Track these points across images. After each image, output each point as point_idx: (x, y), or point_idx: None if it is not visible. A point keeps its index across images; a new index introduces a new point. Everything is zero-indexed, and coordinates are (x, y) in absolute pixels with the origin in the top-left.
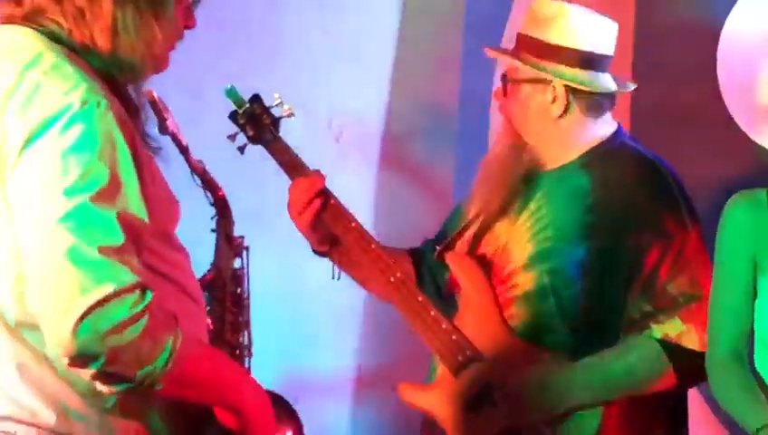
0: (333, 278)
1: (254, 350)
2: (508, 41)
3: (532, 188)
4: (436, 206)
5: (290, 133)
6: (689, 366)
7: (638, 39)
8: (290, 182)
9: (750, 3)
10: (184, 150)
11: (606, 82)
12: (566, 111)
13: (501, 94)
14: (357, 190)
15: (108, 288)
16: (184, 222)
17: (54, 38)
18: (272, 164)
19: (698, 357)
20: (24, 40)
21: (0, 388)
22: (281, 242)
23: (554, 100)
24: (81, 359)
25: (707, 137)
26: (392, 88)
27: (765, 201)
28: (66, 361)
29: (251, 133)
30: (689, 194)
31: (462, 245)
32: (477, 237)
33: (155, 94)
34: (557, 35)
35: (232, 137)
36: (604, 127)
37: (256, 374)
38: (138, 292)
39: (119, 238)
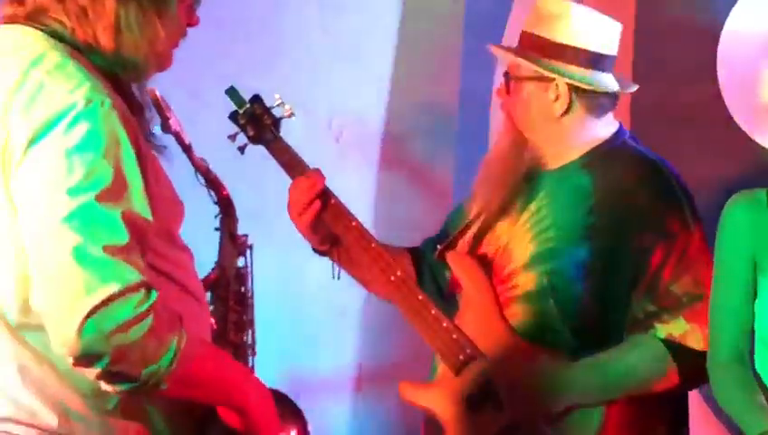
0: (333, 278)
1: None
2: (508, 41)
3: (533, 188)
4: (436, 206)
5: (290, 133)
6: (693, 366)
7: (639, 39)
8: (289, 182)
9: (750, 3)
10: (187, 149)
11: (609, 81)
12: (569, 109)
13: (503, 92)
14: (357, 190)
15: (113, 287)
16: (187, 220)
17: (57, 37)
18: (271, 164)
19: (702, 357)
20: (28, 39)
21: (1, 389)
22: (281, 242)
23: (557, 98)
24: (86, 358)
25: (707, 137)
26: (392, 88)
27: (765, 201)
28: (71, 360)
29: (251, 133)
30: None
31: (463, 244)
32: (478, 237)
33: (157, 93)
34: (561, 34)
35: (232, 137)
36: (606, 127)
37: (257, 373)
38: (143, 291)
39: (123, 237)
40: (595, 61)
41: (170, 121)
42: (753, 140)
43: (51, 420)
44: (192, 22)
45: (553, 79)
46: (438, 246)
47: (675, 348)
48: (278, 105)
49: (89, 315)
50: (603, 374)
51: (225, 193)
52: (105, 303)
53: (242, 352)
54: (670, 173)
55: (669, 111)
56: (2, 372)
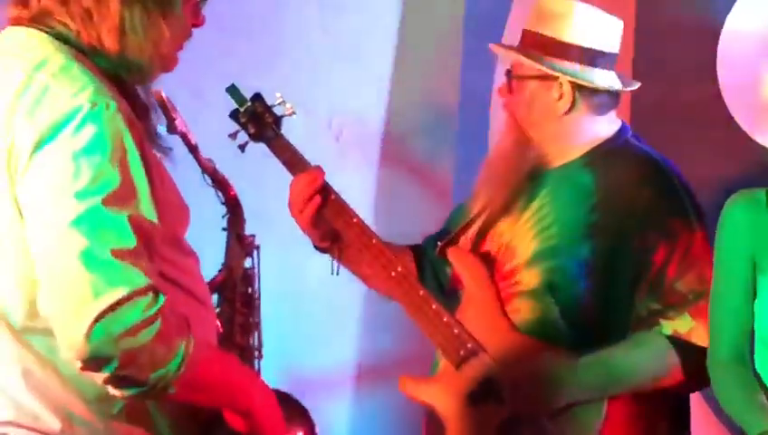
0: (333, 274)
1: None
2: (508, 40)
3: (536, 186)
4: (436, 205)
5: (290, 133)
6: (698, 362)
7: (639, 38)
8: (289, 181)
9: (750, 2)
10: (193, 150)
11: (611, 80)
12: (572, 108)
13: (505, 91)
14: (357, 190)
15: (121, 291)
16: (194, 221)
17: (62, 40)
18: (272, 163)
19: (706, 354)
20: (32, 42)
21: (3, 392)
22: (281, 240)
23: (560, 97)
24: (94, 362)
25: (708, 136)
26: (392, 88)
27: (765, 201)
28: (79, 364)
29: (252, 131)
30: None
31: (465, 242)
32: (481, 234)
33: (163, 94)
34: (564, 32)
35: (233, 135)
36: (608, 125)
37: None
38: (151, 294)
39: (131, 241)
40: (598, 59)
41: (176, 122)
42: (753, 139)
43: (53, 424)
44: (198, 22)
45: (557, 77)
46: (439, 243)
47: (680, 345)
48: (279, 103)
49: (97, 319)
50: (605, 370)
51: (232, 193)
52: (113, 307)
53: (248, 354)
54: (672, 172)
55: (669, 111)
56: (5, 375)
